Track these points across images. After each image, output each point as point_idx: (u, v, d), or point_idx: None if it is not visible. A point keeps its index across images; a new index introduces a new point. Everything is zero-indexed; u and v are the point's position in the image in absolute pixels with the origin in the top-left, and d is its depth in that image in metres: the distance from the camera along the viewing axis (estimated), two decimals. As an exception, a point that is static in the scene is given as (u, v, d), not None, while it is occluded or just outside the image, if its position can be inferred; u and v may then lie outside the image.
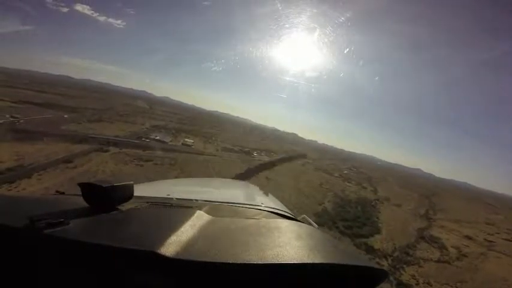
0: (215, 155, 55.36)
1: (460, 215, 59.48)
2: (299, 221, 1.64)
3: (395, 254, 31.61)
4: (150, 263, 0.70)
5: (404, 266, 28.94)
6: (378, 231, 38.50)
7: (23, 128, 38.99)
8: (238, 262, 0.73)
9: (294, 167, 74.34)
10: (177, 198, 1.71)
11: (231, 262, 0.73)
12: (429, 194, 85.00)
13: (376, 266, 0.87)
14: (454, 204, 74.80)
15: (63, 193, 1.60)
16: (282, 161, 78.66)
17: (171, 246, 0.74)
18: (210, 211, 1.22)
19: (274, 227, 1.12)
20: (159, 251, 0.70)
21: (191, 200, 1.74)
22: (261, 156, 76.18)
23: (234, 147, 76.14)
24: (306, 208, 40.28)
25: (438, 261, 32.13)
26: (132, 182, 1.13)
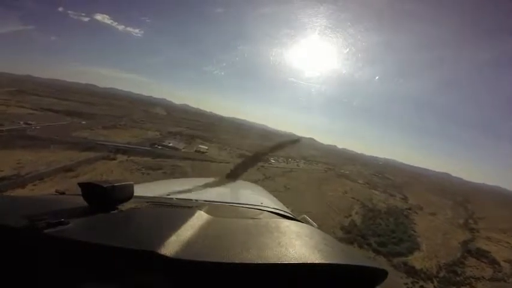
0: (229, 162, 52.14)
1: (503, 223, 53.29)
2: (299, 221, 1.60)
3: (441, 274, 27.67)
4: (150, 263, 0.70)
5: (454, 288, 25.29)
6: (417, 246, 34.11)
7: (32, 135, 38.42)
8: (238, 262, 0.73)
9: (315, 174, 69.88)
10: (177, 198, 1.70)
11: (231, 262, 0.73)
12: (463, 200, 79.05)
13: (376, 266, 0.86)
14: (493, 211, 67.91)
15: (63, 193, 1.59)
16: (302, 167, 74.96)
17: (171, 246, 0.74)
18: (210, 211, 1.21)
19: (274, 227, 1.12)
20: (159, 251, 0.70)
21: (191, 200, 1.72)
22: (279, 163, 72.26)
23: (250, 153, 72.58)
24: (331, 222, 36.19)
25: (492, 279, 28.16)
26: (132, 182, 1.13)
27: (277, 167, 64.59)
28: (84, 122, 62.74)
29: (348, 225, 37.05)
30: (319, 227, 1.43)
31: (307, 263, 0.77)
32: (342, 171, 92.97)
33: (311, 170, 75.25)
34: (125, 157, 36.91)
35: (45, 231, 0.73)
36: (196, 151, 55.94)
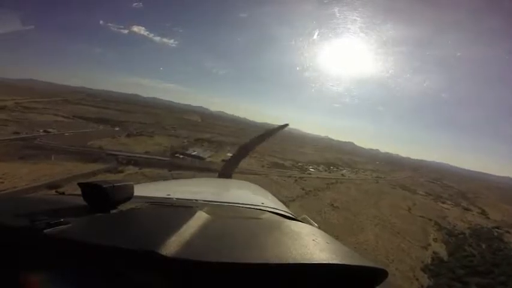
0: (259, 173, 43.87)
1: None
2: (300, 221, 1.60)
3: None
4: (150, 263, 0.70)
5: None
6: (539, 285, 24.84)
7: (41, 144, 35.42)
8: (239, 262, 0.74)
9: (365, 185, 58.31)
10: (177, 198, 1.70)
11: (231, 262, 0.73)
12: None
13: (376, 266, 0.86)
14: None
15: (63, 193, 1.59)
16: (348, 177, 63.90)
17: (171, 246, 0.74)
18: (210, 211, 1.20)
19: (274, 227, 1.13)
20: (159, 251, 0.70)
21: (191, 200, 1.72)
22: (319, 172, 62.01)
23: (284, 161, 63.97)
24: (406, 258, 26.50)
25: None
26: (132, 182, 1.14)
27: (318, 177, 54.66)
28: (112, 129, 61.24)
29: (432, 261, 26.84)
30: (320, 227, 1.40)
31: (307, 263, 0.78)
32: (394, 179, 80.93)
33: (359, 180, 63.70)
34: (135, 169, 31.51)
35: (45, 231, 0.74)
36: (223, 160, 48.97)
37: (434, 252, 28.93)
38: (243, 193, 2.67)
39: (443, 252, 29.52)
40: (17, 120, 48.82)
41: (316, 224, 1.60)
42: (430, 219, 40.93)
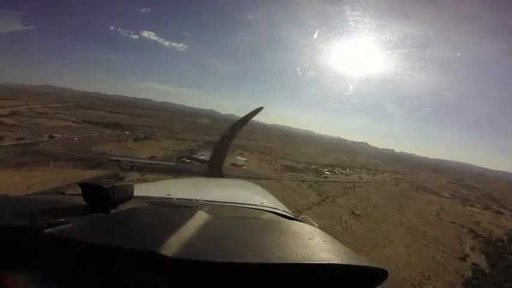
0: (270, 178, 41.00)
1: None
2: (300, 220, 1.61)
3: None
4: (150, 263, 0.71)
5: None
6: None
7: (41, 150, 34.18)
8: (239, 262, 0.74)
9: (386, 188, 54.42)
10: (177, 198, 1.71)
11: (231, 262, 0.73)
12: None
13: (377, 266, 0.86)
14: None
15: (63, 193, 1.61)
16: (366, 179, 59.94)
17: (171, 246, 0.74)
18: (210, 211, 1.21)
19: (274, 227, 1.15)
20: (159, 251, 0.70)
21: (191, 200, 1.73)
22: (336, 175, 58.38)
23: (297, 164, 60.75)
24: (444, 274, 23.51)
25: None
26: (132, 182, 1.16)
27: (334, 180, 51.13)
28: (119, 133, 60.40)
29: (473, 275, 23.85)
30: (320, 227, 1.41)
31: (307, 263, 0.78)
32: (415, 180, 75.85)
33: (378, 183, 59.57)
34: (137, 175, 29.63)
35: (45, 231, 0.74)
36: (232, 164, 46.44)
37: (473, 264, 25.82)
38: (243, 193, 2.63)
39: (483, 264, 26.46)
40: (25, 125, 48.54)
41: (316, 224, 1.56)
42: (462, 226, 37.40)
